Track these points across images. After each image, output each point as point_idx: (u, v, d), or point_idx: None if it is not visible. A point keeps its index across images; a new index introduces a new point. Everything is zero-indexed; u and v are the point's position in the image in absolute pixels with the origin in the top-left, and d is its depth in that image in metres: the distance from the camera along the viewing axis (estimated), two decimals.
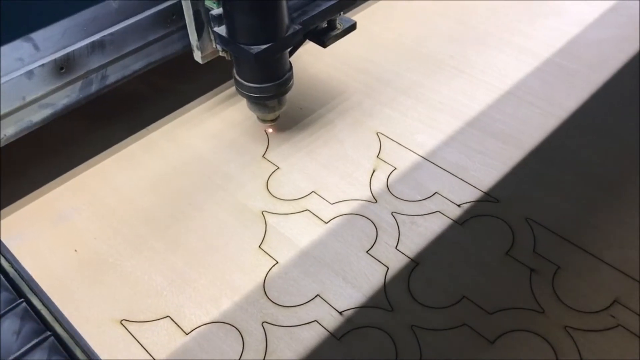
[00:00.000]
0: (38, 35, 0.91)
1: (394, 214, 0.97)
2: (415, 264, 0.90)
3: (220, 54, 1.00)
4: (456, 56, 1.25)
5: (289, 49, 0.97)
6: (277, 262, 0.91)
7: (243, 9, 0.86)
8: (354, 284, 0.88)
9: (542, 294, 0.86)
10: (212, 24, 0.92)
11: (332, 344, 0.82)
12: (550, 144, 1.06)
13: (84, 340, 0.80)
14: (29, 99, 0.91)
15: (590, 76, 1.19)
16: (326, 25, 1.01)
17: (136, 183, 1.03)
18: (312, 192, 1.01)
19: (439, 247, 0.92)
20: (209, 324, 0.84)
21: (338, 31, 1.02)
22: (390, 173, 1.03)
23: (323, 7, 0.96)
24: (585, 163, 1.03)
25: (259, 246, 0.93)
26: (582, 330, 0.82)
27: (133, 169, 1.05)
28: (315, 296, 0.87)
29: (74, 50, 0.93)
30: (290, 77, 0.99)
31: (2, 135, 0.91)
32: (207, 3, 0.95)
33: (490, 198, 0.98)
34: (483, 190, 0.99)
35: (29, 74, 0.90)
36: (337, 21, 1.01)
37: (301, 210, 0.98)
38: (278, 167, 1.04)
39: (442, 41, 1.29)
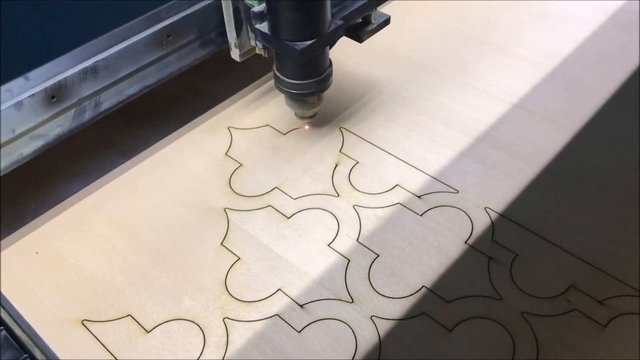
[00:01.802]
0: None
1: (355, 207, 0.98)
2: (375, 255, 0.91)
3: (258, 51, 1.01)
4: (418, 50, 1.27)
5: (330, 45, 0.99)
6: (239, 259, 0.91)
7: (289, 5, 0.86)
8: (315, 278, 0.88)
9: (500, 282, 0.87)
10: (254, 22, 0.92)
11: (293, 337, 0.82)
12: (508, 134, 1.08)
13: (43, 340, 0.80)
14: (19, 131, 0.86)
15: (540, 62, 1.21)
16: (361, 20, 1.02)
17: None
18: (275, 187, 1.01)
19: (399, 238, 0.93)
20: (170, 321, 0.84)
21: (373, 26, 1.02)
22: (353, 167, 1.04)
23: (361, 2, 0.98)
24: (543, 152, 1.04)
25: (221, 243, 0.93)
26: (538, 315, 0.83)
27: None
28: (277, 291, 0.87)
29: (65, 78, 0.88)
30: (331, 73, 1.00)
31: None
32: (247, 1, 0.94)
33: (449, 189, 0.99)
34: (443, 181, 1.01)
35: (18, 105, 0.85)
36: (372, 16, 1.02)
37: (264, 206, 0.98)
38: (241, 164, 1.05)
39: (409, 37, 1.30)
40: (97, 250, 0.93)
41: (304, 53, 0.89)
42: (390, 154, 1.06)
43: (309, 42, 0.89)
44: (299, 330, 0.83)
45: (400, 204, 0.98)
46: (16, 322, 0.81)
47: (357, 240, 0.93)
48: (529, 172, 1.01)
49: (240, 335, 0.82)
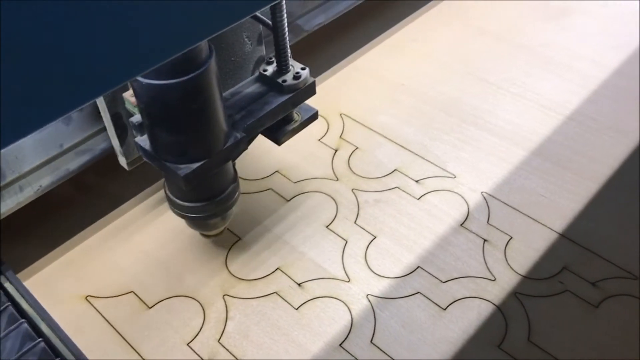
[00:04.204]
0: None
1: (354, 190, 0.99)
2: (372, 237, 0.93)
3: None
4: (419, 39, 1.28)
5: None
6: (240, 239, 0.93)
7: (165, 124, 0.68)
8: (313, 258, 0.90)
9: (494, 263, 0.89)
10: (134, 132, 0.75)
11: (290, 313, 0.84)
12: (505, 121, 1.09)
13: (48, 314, 0.82)
14: (66, 145, 0.84)
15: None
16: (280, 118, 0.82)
17: None
18: (276, 171, 1.03)
19: (396, 220, 0.95)
20: (172, 298, 0.87)
21: (295, 124, 0.84)
22: (352, 152, 1.06)
23: (274, 105, 0.77)
24: (538, 138, 1.06)
25: None
26: (531, 296, 0.85)
27: None
28: (276, 269, 0.89)
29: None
30: (235, 190, 0.81)
31: (38, 187, 0.84)
32: (128, 106, 0.77)
33: (447, 173, 1.01)
34: (440, 166, 1.02)
35: (67, 119, 0.83)
36: (295, 112, 0.85)
37: (265, 189, 1.00)
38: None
39: (411, 26, 1.32)
40: (104, 230, 0.95)
41: (189, 179, 0.69)
42: (389, 139, 1.08)
43: (196, 166, 0.69)
44: (296, 308, 0.85)
45: (398, 188, 0.99)
46: (23, 297, 0.84)
47: (354, 222, 0.95)
48: (525, 157, 1.03)
49: (240, 312, 0.85)
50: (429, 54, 1.24)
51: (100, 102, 0.77)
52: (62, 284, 0.88)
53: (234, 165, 0.80)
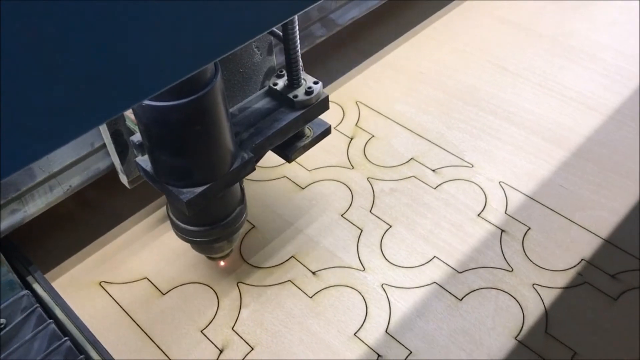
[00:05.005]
0: None
1: (369, 179, 0.98)
2: (388, 226, 0.92)
3: None
4: (438, 27, 1.26)
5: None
6: (254, 227, 0.93)
7: (166, 146, 0.63)
8: (328, 246, 0.90)
9: (511, 254, 0.88)
10: (136, 152, 0.71)
11: (304, 302, 0.84)
12: (525, 111, 1.07)
13: (63, 300, 0.82)
14: (97, 144, 0.82)
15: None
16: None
17: None
18: None
19: (412, 210, 0.93)
20: (186, 285, 0.86)
21: (307, 140, 0.80)
22: (368, 140, 1.05)
23: (284, 123, 0.72)
24: (559, 128, 1.04)
25: None
26: (549, 287, 0.84)
27: None
28: (290, 257, 0.89)
29: None
30: (242, 213, 0.76)
31: (68, 187, 0.82)
32: (129, 124, 0.73)
33: (464, 163, 1.00)
34: (458, 155, 1.01)
35: None
36: (307, 127, 0.81)
37: (279, 177, 1.00)
38: None
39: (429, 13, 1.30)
40: (117, 216, 0.95)
41: (192, 204, 0.65)
42: (406, 128, 1.06)
43: (200, 190, 0.65)
44: (310, 296, 0.84)
45: (415, 177, 0.98)
46: (38, 282, 0.84)
47: (370, 211, 0.94)
48: (544, 147, 1.01)
49: (253, 300, 0.84)
50: (448, 42, 1.22)
51: None
52: (76, 270, 0.88)
53: (241, 185, 0.77)
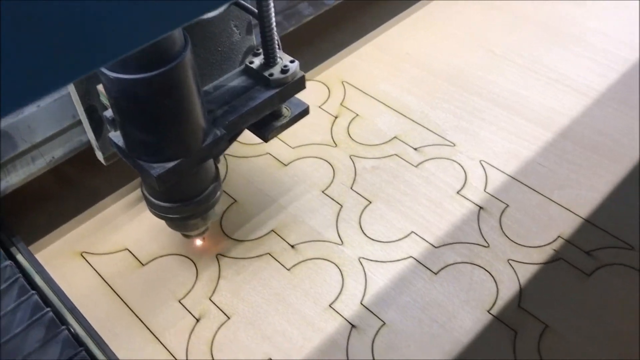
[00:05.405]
0: None
1: (352, 157, 0.99)
2: (368, 202, 0.93)
3: None
4: (428, 10, 1.27)
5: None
6: (236, 201, 0.94)
7: (136, 120, 0.63)
8: (308, 221, 0.91)
9: (488, 230, 0.88)
10: (109, 127, 0.70)
11: (283, 274, 0.85)
12: (508, 91, 1.08)
13: (45, 270, 0.83)
14: (78, 117, 0.80)
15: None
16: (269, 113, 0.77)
17: None
18: None
19: (393, 187, 0.94)
20: (166, 256, 0.87)
21: (285, 120, 0.79)
22: (352, 119, 1.05)
23: (258, 101, 0.72)
24: (543, 110, 1.05)
25: None
26: (524, 263, 0.84)
27: None
28: (270, 231, 0.90)
29: None
30: (215, 190, 0.75)
31: (50, 158, 0.82)
32: (103, 99, 0.72)
33: (446, 142, 1.00)
34: (440, 134, 1.02)
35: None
36: (284, 107, 0.80)
37: (262, 153, 1.01)
38: None
39: None
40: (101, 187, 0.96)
41: (163, 179, 0.64)
42: (390, 107, 1.07)
43: (171, 165, 0.64)
44: (288, 269, 0.85)
45: (397, 155, 0.99)
46: (20, 253, 0.85)
47: (350, 187, 0.95)
48: (527, 128, 1.02)
49: (232, 271, 0.85)
50: (437, 25, 1.23)
51: (73, 94, 0.74)
52: (58, 243, 0.90)
53: (215, 163, 0.77)
